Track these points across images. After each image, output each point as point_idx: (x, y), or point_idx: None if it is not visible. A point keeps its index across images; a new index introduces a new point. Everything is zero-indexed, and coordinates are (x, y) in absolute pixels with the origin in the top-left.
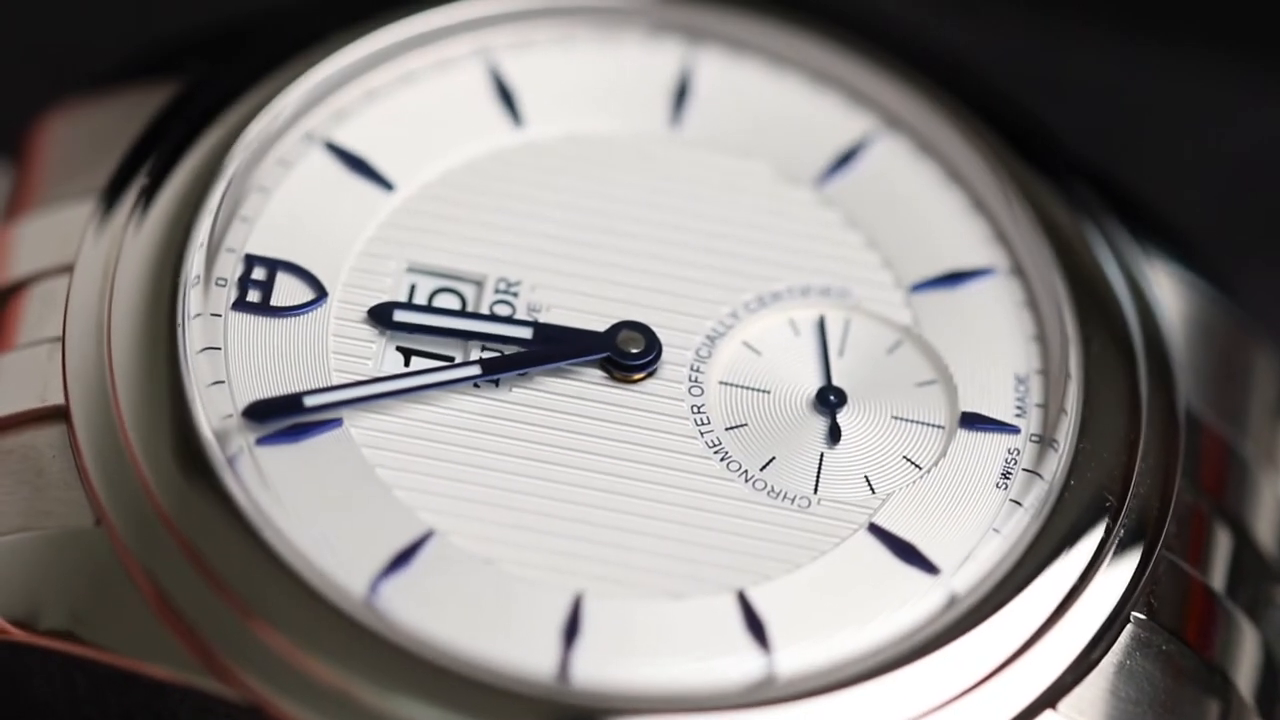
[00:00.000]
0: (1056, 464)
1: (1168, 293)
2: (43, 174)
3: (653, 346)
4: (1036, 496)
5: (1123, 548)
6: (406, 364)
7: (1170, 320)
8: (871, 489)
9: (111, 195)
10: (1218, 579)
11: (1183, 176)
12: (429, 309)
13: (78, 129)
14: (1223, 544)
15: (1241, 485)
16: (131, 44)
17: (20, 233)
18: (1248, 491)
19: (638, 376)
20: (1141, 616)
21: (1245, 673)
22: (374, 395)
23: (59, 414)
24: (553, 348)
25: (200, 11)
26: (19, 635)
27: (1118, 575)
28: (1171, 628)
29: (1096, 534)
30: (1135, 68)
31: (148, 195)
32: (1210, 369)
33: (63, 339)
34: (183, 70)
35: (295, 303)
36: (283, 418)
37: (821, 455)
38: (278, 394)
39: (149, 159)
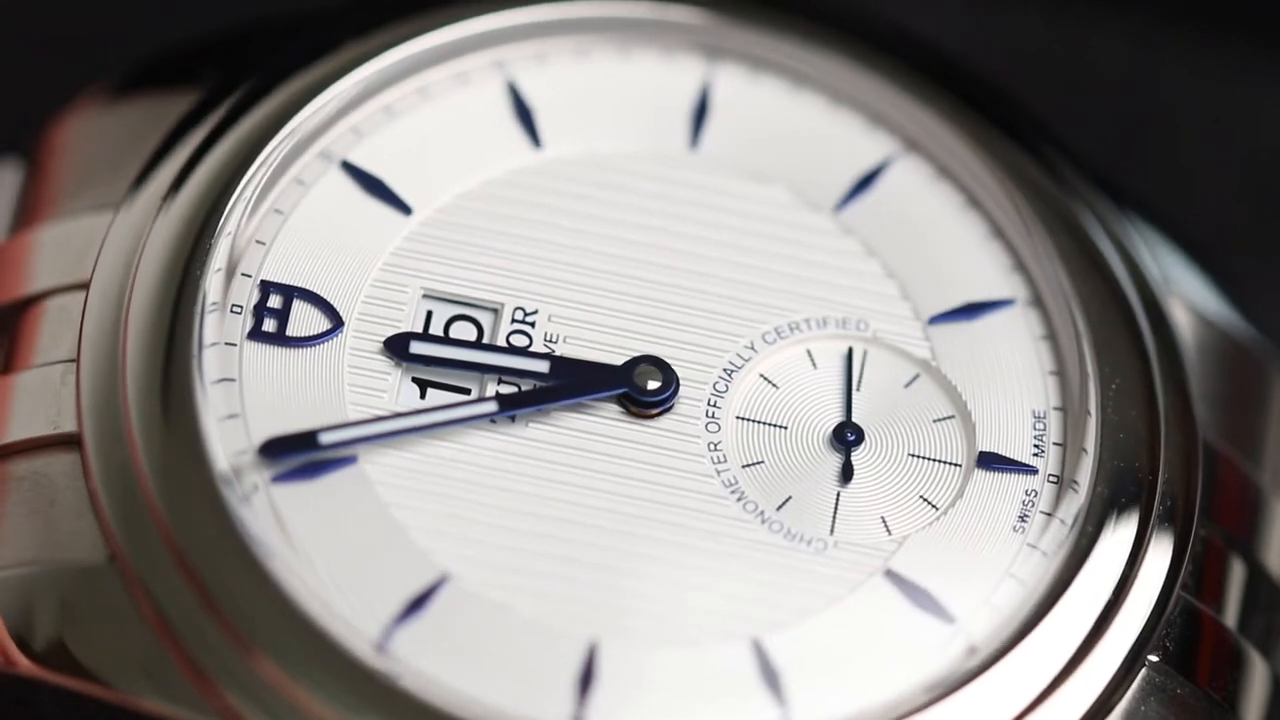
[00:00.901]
0: (1075, 507)
1: (1181, 314)
2: (58, 182)
3: (670, 383)
4: (1054, 541)
5: (1141, 592)
6: (422, 396)
7: (1187, 345)
8: (888, 530)
9: (126, 213)
10: (1231, 614)
11: (1204, 176)
12: (445, 340)
13: (93, 137)
14: (1236, 577)
15: (1256, 515)
16: (143, 42)
17: (36, 243)
18: (1262, 521)
19: (654, 413)
20: (1156, 660)
21: (1255, 709)
22: (390, 432)
23: (72, 441)
24: (569, 383)
25: (212, 11)
26: (31, 669)
27: (1135, 620)
28: (1185, 670)
29: (1114, 579)
30: (1156, 60)
31: (164, 214)
32: (1225, 396)
33: (77, 363)
34: (198, 79)
35: (311, 332)
36: (298, 455)
37: (838, 495)
38: (293, 429)
39: (164, 177)
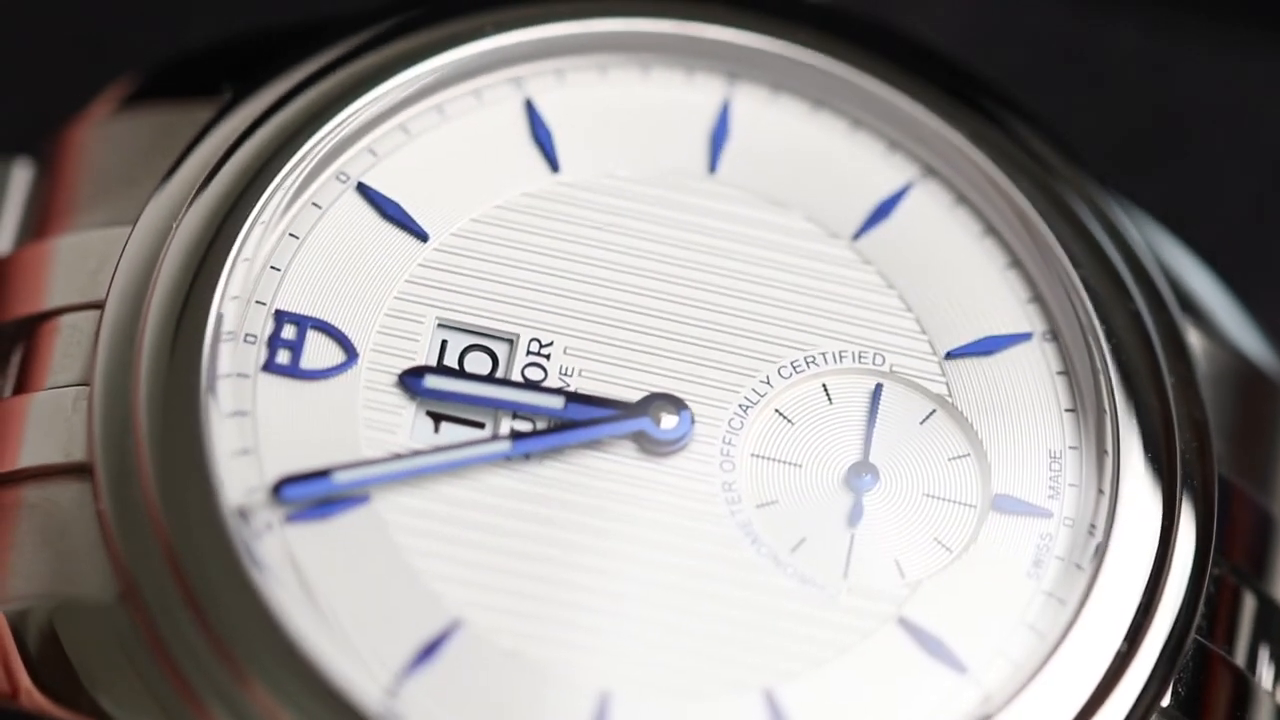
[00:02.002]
0: (1091, 552)
1: (1194, 338)
2: (72, 192)
3: (685, 422)
4: (1069, 586)
5: (1155, 639)
6: (436, 429)
7: (1204, 377)
8: (901, 574)
9: (141, 233)
10: (1241, 652)
11: (1217, 176)
12: (461, 375)
13: (107, 146)
14: (1247, 613)
15: (1268, 548)
16: (152, 44)
17: (49, 256)
18: (1273, 554)
19: (669, 451)
20: (1167, 705)
21: None
22: (405, 472)
23: (83, 470)
24: (583, 421)
25: (220, 14)
26: (36, 701)
27: (1148, 666)
28: (1195, 714)
29: (1128, 626)
30: (1179, 52)
31: (178, 236)
32: (1237, 424)
33: (90, 389)
34: (213, 87)
35: (326, 365)
36: (312, 494)
37: (852, 536)
38: (307, 467)
39: (179, 196)
